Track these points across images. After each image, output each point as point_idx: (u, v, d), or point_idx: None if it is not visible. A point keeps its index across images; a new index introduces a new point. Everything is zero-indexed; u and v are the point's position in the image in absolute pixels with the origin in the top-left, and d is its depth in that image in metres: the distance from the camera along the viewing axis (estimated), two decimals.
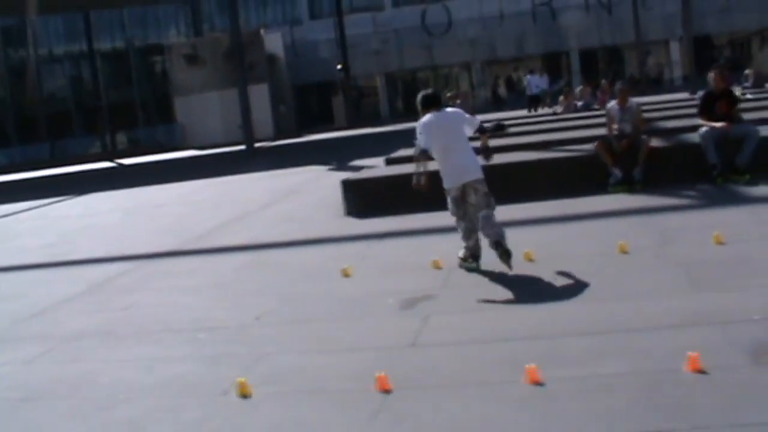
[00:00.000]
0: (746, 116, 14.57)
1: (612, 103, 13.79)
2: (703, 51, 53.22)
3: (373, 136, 36.68)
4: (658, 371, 5.49)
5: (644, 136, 13.29)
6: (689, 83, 32.56)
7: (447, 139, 8.90)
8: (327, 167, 23.73)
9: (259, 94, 45.92)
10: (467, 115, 9.28)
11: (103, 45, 62.40)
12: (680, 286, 7.52)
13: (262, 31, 48.44)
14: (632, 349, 5.98)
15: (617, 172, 13.01)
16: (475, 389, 5.60)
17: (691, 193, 12.36)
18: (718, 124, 12.97)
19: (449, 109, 9.28)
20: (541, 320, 7.01)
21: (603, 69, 54.08)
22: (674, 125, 17.51)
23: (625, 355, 5.88)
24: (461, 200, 8.96)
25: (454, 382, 5.79)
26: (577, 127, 18.90)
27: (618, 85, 14.38)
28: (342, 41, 45.42)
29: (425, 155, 8.91)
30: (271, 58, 48.14)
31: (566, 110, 26.65)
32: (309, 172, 22.83)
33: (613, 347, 6.08)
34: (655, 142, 13.71)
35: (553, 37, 51.06)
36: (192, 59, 48.16)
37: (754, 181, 12.49)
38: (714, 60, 51.07)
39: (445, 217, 10.48)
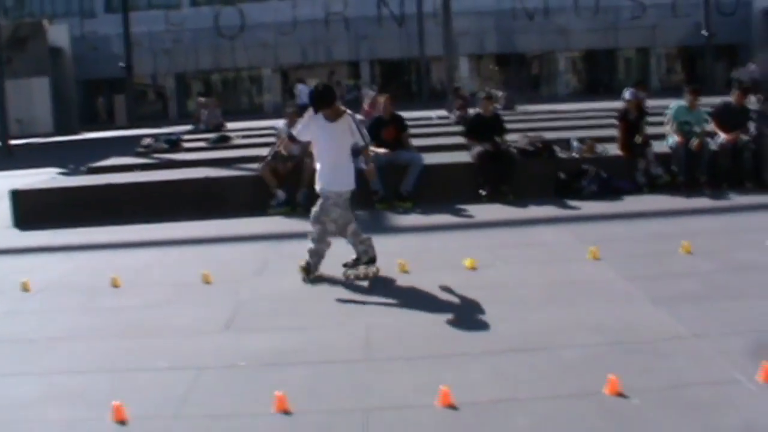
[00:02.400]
0: (415, 142, 14.78)
1: (281, 124, 13.67)
2: (504, 68, 54.58)
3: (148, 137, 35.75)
4: (85, 419, 5.39)
5: (308, 159, 13.22)
6: (446, 101, 32.73)
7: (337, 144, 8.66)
8: (64, 170, 22.93)
9: (40, 88, 44.34)
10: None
11: None
12: (209, 324, 7.43)
13: (45, 22, 46.67)
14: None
15: (280, 194, 12.93)
16: None
17: None
18: (383, 151, 13.06)
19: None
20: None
21: (406, 80, 54.56)
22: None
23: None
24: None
25: None
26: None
27: (290, 108, 14.18)
28: (127, 37, 44.09)
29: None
30: (55, 51, 46.44)
31: None
32: (41, 175, 21.97)
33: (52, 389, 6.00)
34: None
35: (346, 45, 51.26)
36: None
37: (413, 209, 12.66)
38: (506, 78, 52.57)
39: (105, 234, 10.32)
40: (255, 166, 13.53)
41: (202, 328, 7.33)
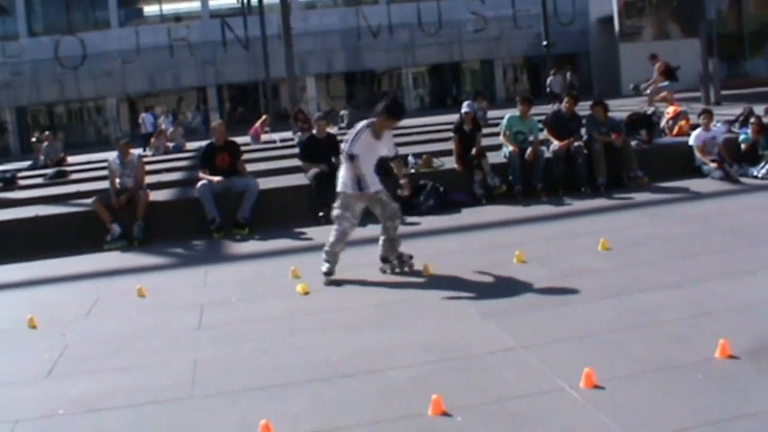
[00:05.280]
0: (253, 168, 14.63)
1: (113, 157, 13.33)
2: (352, 87, 54.74)
3: None
4: None
5: (142, 191, 12.94)
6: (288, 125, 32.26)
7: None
8: None
9: None
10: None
11: None
12: (30, 372, 7.08)
13: None
14: None
15: (116, 229, 12.58)
16: None
17: (179, 250, 12.09)
18: (216, 178, 12.87)
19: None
20: None
21: (254, 104, 53.89)
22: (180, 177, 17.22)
23: None
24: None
25: None
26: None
27: (122, 140, 13.82)
28: None
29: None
30: None
31: (157, 152, 25.61)
32: None
33: None
34: (158, 196, 13.44)
35: (193, 71, 50.46)
36: None
37: (251, 236, 12.48)
38: (351, 96, 52.78)
39: None
40: (89, 201, 13.08)
41: (21, 377, 6.99)
